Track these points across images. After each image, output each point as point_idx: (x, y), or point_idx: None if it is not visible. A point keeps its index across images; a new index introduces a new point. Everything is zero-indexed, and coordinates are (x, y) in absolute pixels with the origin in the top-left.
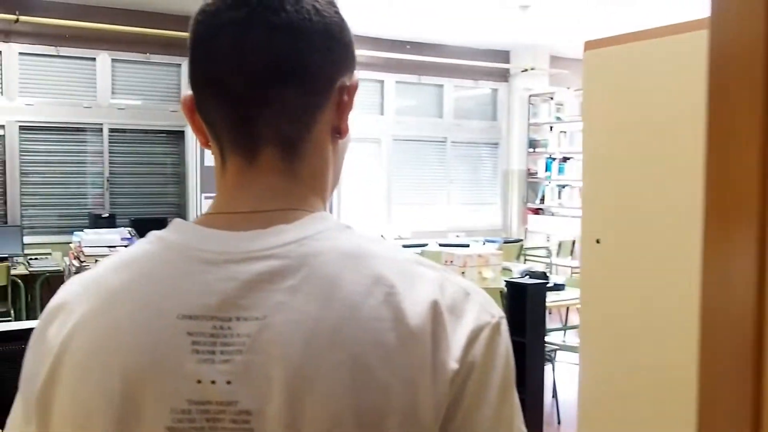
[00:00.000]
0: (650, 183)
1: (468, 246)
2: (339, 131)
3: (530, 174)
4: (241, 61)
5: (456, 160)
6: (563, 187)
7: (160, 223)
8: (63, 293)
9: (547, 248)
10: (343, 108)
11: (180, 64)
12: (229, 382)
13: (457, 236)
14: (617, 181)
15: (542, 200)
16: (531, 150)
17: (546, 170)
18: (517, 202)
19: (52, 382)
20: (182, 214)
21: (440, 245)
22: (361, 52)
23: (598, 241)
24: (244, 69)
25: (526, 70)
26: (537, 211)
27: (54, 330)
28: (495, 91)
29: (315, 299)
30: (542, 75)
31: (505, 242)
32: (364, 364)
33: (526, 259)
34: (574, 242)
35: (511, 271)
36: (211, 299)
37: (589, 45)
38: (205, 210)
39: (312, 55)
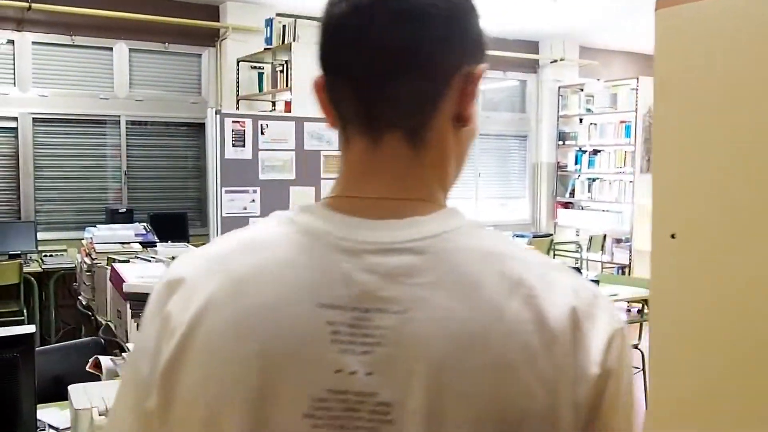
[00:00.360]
0: (737, 169)
1: None
2: (461, 119)
3: (560, 167)
4: (366, 47)
5: (484, 153)
6: (593, 180)
7: (180, 219)
8: (180, 268)
9: (577, 243)
10: (466, 96)
11: (200, 54)
12: (369, 374)
13: None
14: (696, 166)
15: (572, 194)
16: (560, 143)
17: (576, 163)
18: (546, 196)
19: (179, 360)
20: (202, 209)
21: None
22: None
23: (673, 236)
24: (368, 55)
25: (555, 60)
26: (567, 205)
27: (176, 306)
28: (524, 82)
29: (458, 298)
30: (572, 66)
31: (535, 237)
32: (509, 366)
33: (555, 254)
34: (605, 237)
35: None
36: (351, 290)
37: (663, 2)
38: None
39: (435, 42)
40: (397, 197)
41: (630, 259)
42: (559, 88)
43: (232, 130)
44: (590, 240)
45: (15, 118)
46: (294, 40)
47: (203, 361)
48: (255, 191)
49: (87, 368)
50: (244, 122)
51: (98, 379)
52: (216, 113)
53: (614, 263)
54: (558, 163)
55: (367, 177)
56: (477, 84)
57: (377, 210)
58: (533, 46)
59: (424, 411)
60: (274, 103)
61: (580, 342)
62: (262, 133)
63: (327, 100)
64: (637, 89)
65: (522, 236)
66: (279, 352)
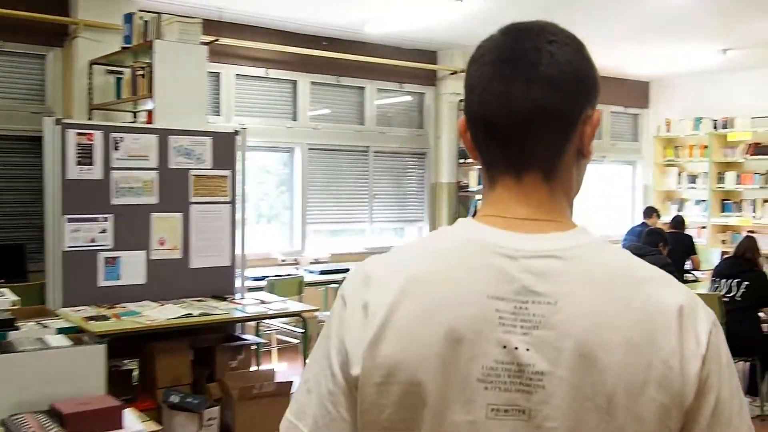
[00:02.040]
0: None
1: None
2: (583, 154)
3: (461, 187)
4: (507, 107)
5: (379, 172)
6: None
7: (17, 251)
8: (367, 270)
9: None
10: (586, 136)
11: (44, 55)
12: (527, 349)
13: None
14: None
15: (474, 215)
16: (461, 161)
17: (478, 183)
18: (446, 219)
19: (380, 337)
20: (41, 239)
21: None
22: (270, 47)
23: None
24: (509, 113)
25: (455, 72)
26: None
27: (372, 298)
28: (421, 95)
29: (594, 294)
30: None
31: None
32: (635, 344)
33: None
34: None
35: None
36: (512, 285)
37: None
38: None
39: (564, 100)
40: (538, 218)
41: None
42: (459, 101)
43: (77, 144)
44: None
45: None
46: (158, 37)
47: (400, 337)
48: (106, 219)
49: None
50: (92, 135)
51: None
52: (56, 123)
53: None
54: (459, 182)
55: (513, 203)
56: (596, 125)
57: (525, 227)
58: (431, 56)
59: (570, 379)
60: (135, 114)
61: (687, 330)
62: (116, 148)
63: (472, 141)
64: None
65: None
66: (460, 332)
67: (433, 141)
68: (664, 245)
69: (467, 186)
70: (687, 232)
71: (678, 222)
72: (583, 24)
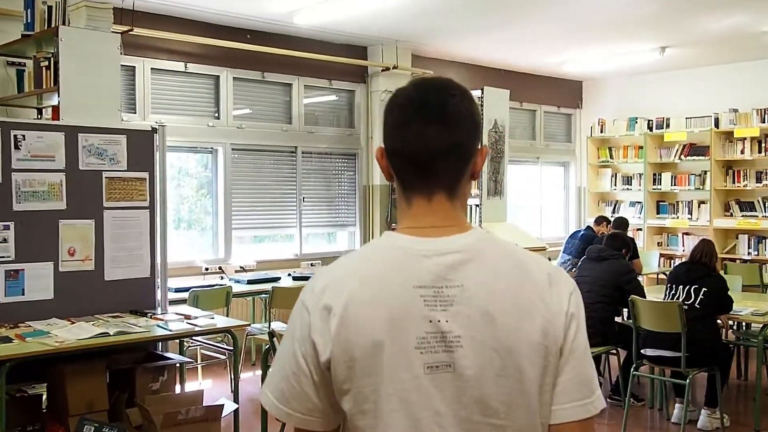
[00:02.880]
0: None
1: None
2: (474, 176)
3: (394, 190)
4: (424, 144)
5: (308, 175)
6: None
7: None
8: (322, 280)
9: None
10: (477, 164)
11: None
12: (447, 321)
13: (312, 265)
14: None
15: (395, 228)
16: None
17: None
18: (380, 223)
19: (341, 326)
20: None
21: (294, 279)
22: (190, 39)
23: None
24: (425, 149)
25: (387, 69)
26: None
27: (330, 301)
28: (351, 93)
29: (490, 276)
30: (405, 75)
31: None
32: (522, 307)
33: None
34: None
35: None
36: (430, 276)
37: None
38: None
39: (466, 138)
40: (444, 225)
41: None
42: None
43: None
44: None
45: None
46: (64, 23)
47: (356, 325)
48: (7, 227)
49: None
50: None
51: None
52: None
53: None
54: (392, 185)
55: (424, 217)
56: (485, 156)
57: (434, 233)
58: (361, 52)
59: (477, 337)
60: (40, 110)
61: (554, 294)
62: (17, 147)
63: (388, 166)
64: (482, 101)
65: None
66: (396, 313)
67: (364, 141)
68: (627, 251)
69: None
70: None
71: (621, 224)
72: (517, 22)
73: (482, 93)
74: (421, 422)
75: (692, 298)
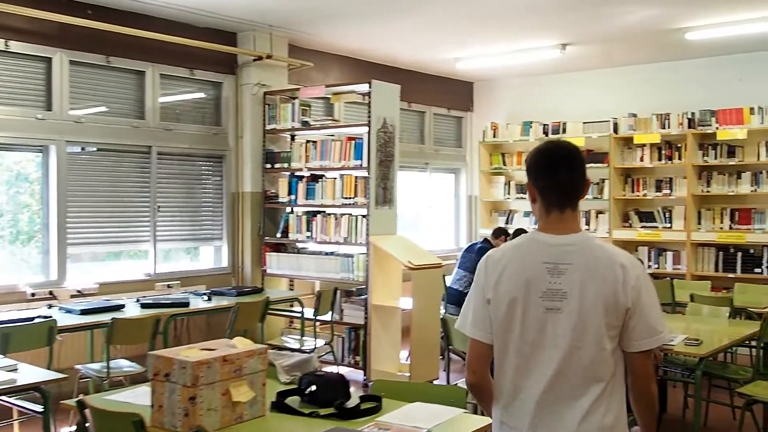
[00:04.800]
0: None
1: (186, 304)
2: (581, 198)
3: (268, 198)
4: (560, 182)
5: (165, 179)
6: (314, 214)
7: None
8: (491, 256)
9: (297, 300)
10: (585, 190)
11: None
12: (560, 284)
13: (170, 286)
14: None
15: (285, 232)
16: (268, 166)
17: (290, 192)
18: (250, 236)
19: (499, 281)
20: None
21: (143, 306)
22: (13, 11)
23: None
24: (561, 185)
25: (260, 58)
26: (278, 248)
27: (496, 263)
28: (218, 85)
29: (590, 260)
30: (281, 67)
31: (240, 293)
32: (609, 282)
33: (267, 314)
34: (336, 291)
35: (277, 368)
36: (552, 257)
37: None
38: None
39: (580, 178)
40: (567, 228)
41: (366, 318)
42: (265, 94)
43: None
44: (319, 297)
45: None
46: None
47: (507, 280)
48: None
49: None
50: None
51: None
52: None
53: (346, 323)
54: (266, 192)
55: (556, 224)
56: (588, 187)
57: (559, 233)
58: (230, 38)
59: (576, 295)
60: None
61: (626, 275)
62: None
63: (537, 192)
64: (369, 97)
65: (220, 293)
66: (530, 277)
67: (233, 141)
68: None
69: (276, 196)
70: None
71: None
72: (406, 12)
73: (370, 87)
74: (529, 339)
75: None
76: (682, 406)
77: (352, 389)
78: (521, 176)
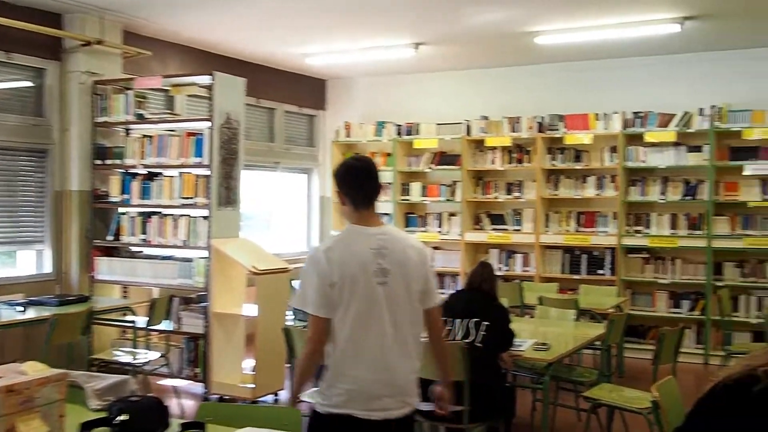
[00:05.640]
0: None
1: None
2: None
3: (98, 197)
4: (367, 187)
5: None
6: (149, 215)
7: None
8: (326, 248)
9: (128, 309)
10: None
11: None
12: (385, 264)
13: None
14: None
15: (117, 235)
16: (99, 162)
17: (123, 192)
18: (77, 239)
19: (339, 265)
20: None
21: None
22: None
23: None
24: (368, 190)
25: (89, 43)
26: (109, 252)
27: (332, 256)
28: (40, 72)
29: (398, 243)
30: (114, 55)
31: (63, 302)
32: (415, 261)
33: (91, 323)
34: (171, 299)
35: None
36: (374, 244)
37: None
38: None
39: (379, 185)
40: (377, 224)
41: (206, 327)
42: (95, 83)
43: None
44: (153, 305)
45: None
46: None
47: (345, 265)
48: None
49: None
50: None
51: None
52: None
53: (184, 333)
54: (96, 191)
55: (366, 218)
56: (383, 188)
57: (372, 226)
58: (54, 20)
59: (397, 271)
60: None
61: (423, 254)
62: None
63: (344, 195)
64: (212, 90)
65: (39, 303)
66: (362, 262)
67: (58, 135)
68: None
69: (107, 195)
70: None
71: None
72: (246, 4)
73: (213, 79)
74: (367, 307)
75: (473, 335)
76: (531, 409)
77: (183, 409)
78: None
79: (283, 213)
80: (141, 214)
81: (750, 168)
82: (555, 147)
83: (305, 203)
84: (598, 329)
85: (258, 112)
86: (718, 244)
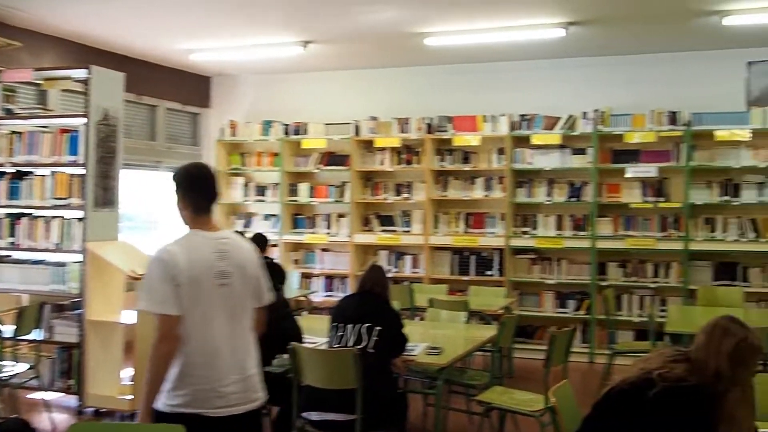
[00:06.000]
0: None
1: None
2: None
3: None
4: (207, 192)
5: None
6: (18, 217)
7: None
8: (170, 250)
9: None
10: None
11: None
12: (225, 266)
13: None
14: None
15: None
16: None
17: None
18: None
19: (185, 268)
20: None
21: None
22: None
23: None
24: (208, 195)
25: None
26: None
27: (177, 258)
28: None
29: (236, 247)
30: None
31: None
32: (251, 262)
33: None
34: (41, 306)
35: None
36: (216, 248)
37: None
38: None
39: (217, 190)
40: (215, 228)
41: (81, 336)
42: None
43: None
44: (21, 313)
45: None
46: None
47: (191, 267)
48: None
49: None
50: None
51: None
52: None
53: (56, 342)
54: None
55: (208, 223)
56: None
57: (212, 230)
58: None
59: (237, 273)
60: None
61: (255, 255)
62: None
63: (187, 200)
64: (88, 85)
65: None
66: (205, 265)
67: None
68: (281, 283)
69: None
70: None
71: (259, 241)
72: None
73: (89, 73)
74: (211, 308)
75: (365, 341)
76: (422, 414)
77: (55, 424)
78: (261, 177)
79: (167, 214)
80: (9, 215)
81: (631, 170)
82: (443, 148)
83: None
84: (489, 331)
85: (139, 109)
86: (601, 244)
